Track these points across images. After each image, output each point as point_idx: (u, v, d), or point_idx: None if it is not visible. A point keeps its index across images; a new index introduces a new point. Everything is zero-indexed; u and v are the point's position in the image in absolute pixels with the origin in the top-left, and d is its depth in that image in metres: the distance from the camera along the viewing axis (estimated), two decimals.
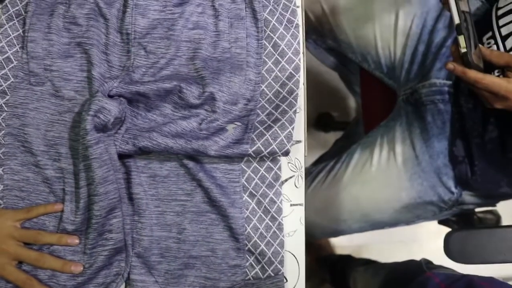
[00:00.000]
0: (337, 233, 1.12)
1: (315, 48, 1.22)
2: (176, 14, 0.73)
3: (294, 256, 0.73)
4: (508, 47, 0.83)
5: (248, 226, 0.71)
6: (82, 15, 0.72)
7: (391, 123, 1.04)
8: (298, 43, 0.75)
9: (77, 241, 0.67)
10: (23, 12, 0.72)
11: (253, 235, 0.71)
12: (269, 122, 0.71)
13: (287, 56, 0.74)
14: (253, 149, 0.68)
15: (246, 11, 0.75)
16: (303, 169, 0.74)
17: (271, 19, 0.75)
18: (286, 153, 0.70)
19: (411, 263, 1.02)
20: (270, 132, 0.69)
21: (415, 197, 0.98)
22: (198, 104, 0.70)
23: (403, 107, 1.02)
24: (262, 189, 0.72)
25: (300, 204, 0.73)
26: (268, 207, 0.72)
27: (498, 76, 0.78)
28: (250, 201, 0.72)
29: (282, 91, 0.74)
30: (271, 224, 0.72)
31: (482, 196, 0.98)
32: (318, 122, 1.78)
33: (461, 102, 0.92)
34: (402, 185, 0.99)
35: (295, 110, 0.71)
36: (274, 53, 0.75)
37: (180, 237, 0.71)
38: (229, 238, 0.71)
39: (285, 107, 0.72)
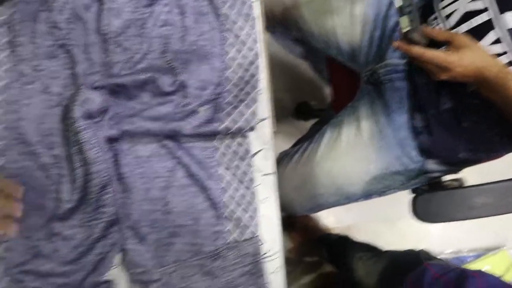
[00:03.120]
0: (316, 207, 1.20)
1: (283, 40, 1.31)
2: (146, 14, 0.83)
3: (268, 219, 0.83)
4: (450, 26, 0.92)
5: (225, 196, 0.81)
6: (63, 20, 0.81)
7: (356, 103, 1.12)
8: (256, 33, 0.85)
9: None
10: (9, 21, 0.81)
11: (229, 204, 0.81)
12: (235, 103, 0.81)
13: (247, 45, 0.84)
14: (221, 127, 0.78)
15: (208, 7, 0.84)
16: (270, 143, 0.83)
17: (230, 13, 0.84)
18: (252, 129, 0.80)
19: (410, 254, 1.08)
20: (236, 112, 0.79)
21: (382, 168, 1.07)
22: (172, 92, 0.80)
23: (365, 88, 1.12)
24: (234, 163, 0.82)
25: (270, 174, 0.83)
26: (241, 179, 0.82)
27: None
28: (225, 174, 0.82)
29: (245, 75, 0.83)
30: (245, 194, 0.82)
31: (444, 163, 1.06)
32: (297, 112, 1.86)
33: (415, 78, 1.00)
34: (370, 158, 1.07)
35: (257, 91, 0.81)
36: (236, 43, 0.84)
37: (165, 210, 0.80)
38: (209, 207, 0.80)
39: (248, 90, 0.82)
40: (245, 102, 0.80)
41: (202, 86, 0.81)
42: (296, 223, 1.88)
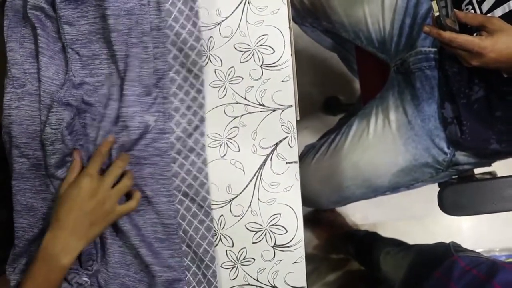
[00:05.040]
0: (342, 200, 1.18)
1: (312, 31, 1.30)
2: (97, 20, 0.81)
3: (292, 208, 0.82)
4: (484, 11, 0.89)
5: (189, 273, 0.83)
6: (38, 26, 0.80)
7: (385, 94, 1.10)
8: (199, 30, 0.83)
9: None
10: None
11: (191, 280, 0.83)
12: (183, 110, 0.83)
13: (189, 43, 0.82)
14: (172, 137, 0.82)
15: (149, 4, 0.81)
16: (295, 131, 0.82)
17: (172, 9, 0.82)
18: (202, 135, 0.83)
19: (439, 246, 1.05)
20: (185, 119, 0.82)
21: (410, 160, 1.04)
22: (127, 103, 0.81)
23: (394, 77, 1.09)
24: (196, 240, 0.83)
25: (294, 162, 0.81)
26: (202, 256, 0.82)
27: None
28: (188, 250, 0.83)
29: (189, 75, 0.83)
30: (206, 272, 0.82)
31: (475, 155, 1.03)
32: (326, 106, 1.85)
33: (446, 67, 0.98)
34: (398, 150, 1.05)
35: (203, 96, 0.83)
36: (177, 40, 0.82)
37: (136, 277, 0.81)
38: None
39: (194, 94, 0.83)
40: (192, 107, 0.82)
41: (146, 92, 0.81)
42: (321, 219, 1.86)
